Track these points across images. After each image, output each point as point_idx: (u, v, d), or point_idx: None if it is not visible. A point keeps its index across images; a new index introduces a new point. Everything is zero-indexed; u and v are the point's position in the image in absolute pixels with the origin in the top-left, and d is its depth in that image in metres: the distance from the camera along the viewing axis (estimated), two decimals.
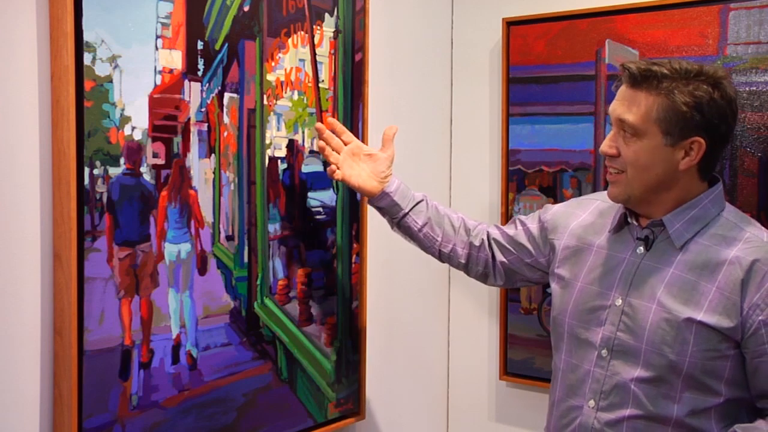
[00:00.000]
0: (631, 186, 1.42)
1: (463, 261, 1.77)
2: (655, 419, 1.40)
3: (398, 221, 1.73)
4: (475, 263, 1.77)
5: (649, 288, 1.42)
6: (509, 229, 1.76)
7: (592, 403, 1.46)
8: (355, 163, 1.74)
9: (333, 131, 1.78)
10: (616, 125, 1.43)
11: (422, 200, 1.75)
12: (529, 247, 1.71)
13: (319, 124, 1.80)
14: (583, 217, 1.61)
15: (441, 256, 1.78)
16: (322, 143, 1.77)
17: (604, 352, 1.46)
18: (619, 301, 1.45)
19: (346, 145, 1.77)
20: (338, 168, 1.74)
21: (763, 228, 1.45)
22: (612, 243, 1.52)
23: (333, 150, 1.76)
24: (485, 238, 1.76)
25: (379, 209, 1.76)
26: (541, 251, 1.69)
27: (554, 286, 1.61)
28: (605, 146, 1.44)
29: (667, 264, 1.42)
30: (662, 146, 1.38)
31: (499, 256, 1.74)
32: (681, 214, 1.43)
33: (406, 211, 1.72)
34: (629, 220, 1.50)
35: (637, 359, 1.41)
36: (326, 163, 1.92)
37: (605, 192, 1.60)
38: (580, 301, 1.52)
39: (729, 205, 1.49)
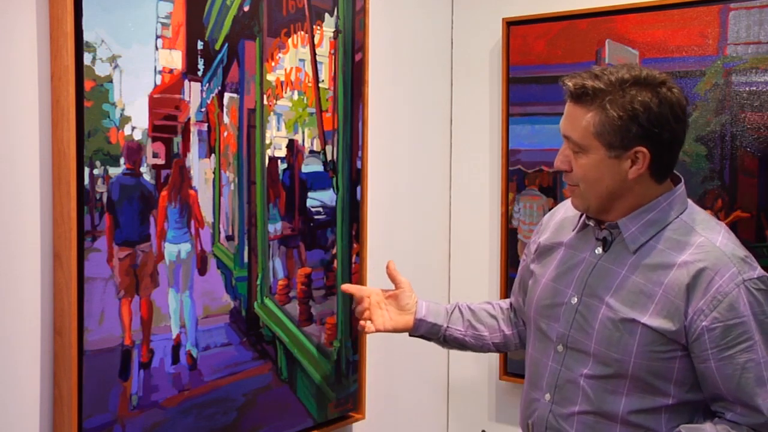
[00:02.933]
0: (587, 197, 1.45)
1: (517, 341, 1.77)
2: (603, 415, 1.43)
3: (443, 338, 1.73)
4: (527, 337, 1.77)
5: (601, 289, 1.45)
6: (513, 297, 1.78)
7: (548, 396, 1.51)
8: (382, 310, 1.72)
9: (350, 293, 1.75)
10: (565, 141, 1.45)
11: (455, 308, 1.75)
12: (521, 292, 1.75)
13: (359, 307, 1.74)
14: (560, 214, 1.65)
15: (498, 348, 1.78)
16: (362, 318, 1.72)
17: (559, 347, 1.50)
18: (574, 300, 1.48)
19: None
20: (371, 320, 1.70)
21: (720, 229, 1.43)
22: (576, 242, 1.55)
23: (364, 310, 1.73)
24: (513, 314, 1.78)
25: (422, 337, 1.75)
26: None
27: (529, 282, 1.65)
28: (557, 162, 1.46)
29: (620, 266, 1.44)
30: (607, 159, 1.39)
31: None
32: (637, 217, 1.44)
33: (445, 326, 1.72)
34: (587, 221, 1.52)
35: (588, 357, 1.45)
36: (326, 164, 1.94)
37: None
38: (542, 297, 1.56)
39: (692, 205, 1.47)
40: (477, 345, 1.75)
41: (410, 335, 1.76)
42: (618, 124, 1.36)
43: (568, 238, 1.57)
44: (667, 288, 1.38)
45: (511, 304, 1.79)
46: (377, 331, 1.70)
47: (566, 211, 1.63)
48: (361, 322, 1.70)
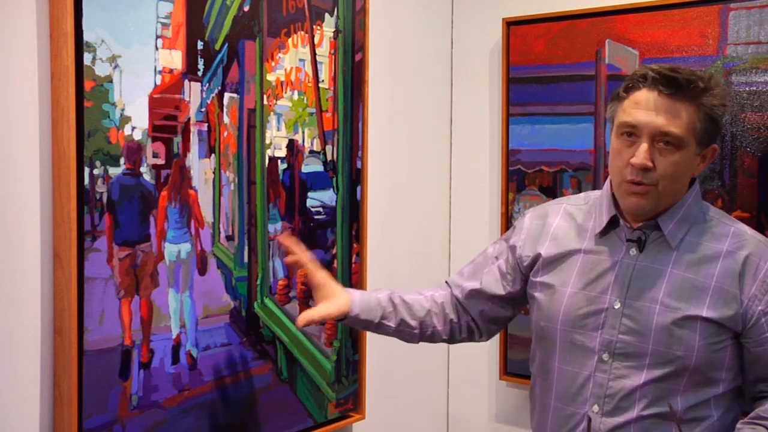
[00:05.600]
0: (662, 196, 1.40)
1: (446, 337, 1.67)
2: (662, 416, 1.40)
3: (372, 329, 1.63)
4: (459, 333, 1.68)
5: (650, 289, 1.42)
6: (473, 282, 1.65)
7: (596, 408, 1.44)
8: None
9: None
10: (651, 136, 1.36)
11: (388, 301, 1.62)
12: (500, 286, 1.63)
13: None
14: (557, 223, 1.58)
15: (422, 340, 1.67)
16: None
17: (605, 356, 1.44)
18: (617, 305, 1.44)
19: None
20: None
21: (738, 221, 1.49)
22: (600, 246, 1.50)
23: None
24: (456, 304, 1.67)
25: (352, 327, 1.69)
26: (516, 280, 1.62)
27: (538, 295, 1.55)
28: (642, 159, 1.36)
29: (665, 264, 1.43)
30: (694, 155, 1.40)
31: (476, 314, 1.67)
32: (672, 214, 1.44)
33: (377, 322, 1.60)
34: (620, 222, 1.48)
35: (643, 360, 1.41)
36: (326, 164, 1.93)
37: (567, 197, 1.64)
38: (573, 307, 1.49)
39: (705, 202, 1.51)
40: (404, 337, 1.65)
41: (343, 323, 1.63)
42: (717, 121, 1.39)
43: (586, 243, 1.51)
44: (719, 278, 1.39)
45: (455, 295, 1.67)
46: (307, 324, 1.55)
47: (562, 218, 1.57)
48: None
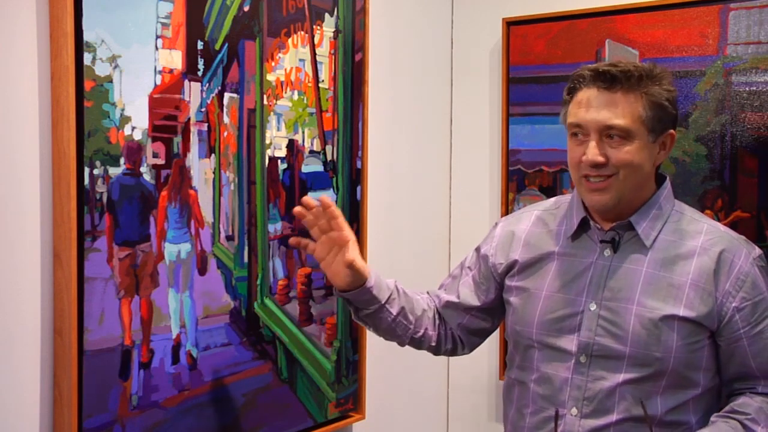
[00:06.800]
0: (623, 188, 1.40)
1: (434, 343, 1.63)
2: (642, 419, 1.39)
3: (371, 312, 1.52)
4: (444, 342, 1.65)
5: (625, 289, 1.42)
6: (450, 295, 1.64)
7: (574, 411, 1.43)
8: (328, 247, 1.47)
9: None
10: (598, 132, 1.38)
11: (395, 287, 1.56)
12: (475, 297, 1.62)
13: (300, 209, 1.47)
14: (528, 229, 1.57)
15: (410, 343, 1.61)
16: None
17: (582, 358, 1.43)
18: (593, 306, 1.43)
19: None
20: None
21: (711, 219, 1.51)
22: (573, 249, 1.49)
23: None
24: (438, 315, 1.65)
25: (346, 301, 1.52)
26: (489, 289, 1.61)
27: (513, 300, 1.55)
28: (592, 155, 1.37)
29: (639, 263, 1.43)
30: (649, 144, 1.40)
31: (455, 326, 1.64)
32: (644, 213, 1.44)
33: (382, 304, 1.51)
34: (591, 224, 1.47)
35: (621, 362, 1.40)
36: (326, 164, 1.93)
37: (538, 203, 1.63)
38: (548, 310, 1.48)
39: (677, 200, 1.51)
40: (395, 332, 1.56)
41: (337, 294, 1.52)
42: (665, 106, 1.39)
43: (559, 247, 1.51)
44: (694, 276, 1.39)
45: (435, 306, 1.65)
46: (315, 253, 1.45)
47: (533, 224, 1.57)
48: (297, 240, 1.46)
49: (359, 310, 1.53)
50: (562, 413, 1.45)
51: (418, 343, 1.62)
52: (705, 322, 1.39)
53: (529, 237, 1.56)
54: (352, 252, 1.44)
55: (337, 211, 1.44)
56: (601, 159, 1.37)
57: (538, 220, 1.57)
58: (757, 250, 1.45)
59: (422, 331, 1.60)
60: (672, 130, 1.43)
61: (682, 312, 1.38)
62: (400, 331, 1.57)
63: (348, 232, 1.45)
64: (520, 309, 1.53)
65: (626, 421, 1.40)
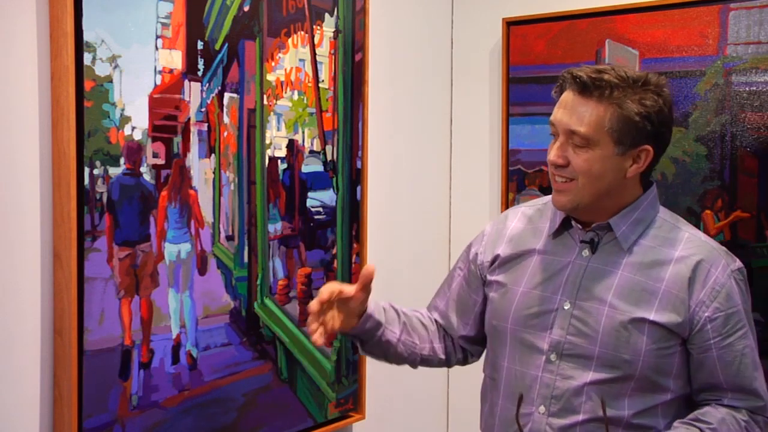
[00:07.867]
0: (581, 194, 1.40)
1: (443, 356, 1.62)
2: (610, 420, 1.39)
3: (376, 339, 1.50)
4: (454, 352, 1.65)
5: (599, 290, 1.42)
6: (445, 309, 1.64)
7: (542, 409, 1.43)
8: (333, 310, 1.43)
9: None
10: (565, 134, 1.39)
11: (389, 307, 1.54)
12: (470, 308, 1.61)
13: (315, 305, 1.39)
14: (513, 225, 1.58)
15: (422, 362, 1.59)
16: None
17: (552, 356, 1.43)
18: (567, 305, 1.44)
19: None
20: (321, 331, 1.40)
21: (694, 227, 1.49)
22: (553, 247, 1.50)
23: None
24: (440, 327, 1.64)
25: (353, 337, 1.49)
26: (480, 288, 1.60)
27: (492, 295, 1.55)
28: (554, 156, 1.39)
29: (615, 266, 1.43)
30: (613, 155, 1.38)
31: (456, 336, 1.64)
32: (625, 216, 1.44)
33: (383, 322, 1.49)
34: (572, 223, 1.48)
35: (590, 362, 1.41)
36: (326, 164, 1.93)
37: (527, 201, 1.62)
38: (523, 306, 1.48)
39: (661, 206, 1.51)
40: (403, 354, 1.55)
41: (342, 333, 1.49)
42: (635, 121, 1.36)
43: (541, 244, 1.51)
44: (669, 283, 1.39)
45: (435, 320, 1.65)
46: (327, 339, 1.42)
47: (519, 220, 1.58)
48: (315, 337, 1.38)
49: (365, 342, 1.52)
50: (530, 411, 1.45)
51: (429, 361, 1.62)
52: (676, 329, 1.38)
53: (514, 233, 1.57)
54: (353, 292, 1.41)
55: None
56: (560, 161, 1.39)
57: (523, 217, 1.58)
58: (738, 263, 1.43)
59: (428, 345, 1.61)
60: (648, 146, 1.38)
61: (653, 316, 1.38)
62: (407, 351, 1.56)
63: (348, 288, 1.42)
64: (497, 303, 1.53)
65: (592, 421, 1.40)
